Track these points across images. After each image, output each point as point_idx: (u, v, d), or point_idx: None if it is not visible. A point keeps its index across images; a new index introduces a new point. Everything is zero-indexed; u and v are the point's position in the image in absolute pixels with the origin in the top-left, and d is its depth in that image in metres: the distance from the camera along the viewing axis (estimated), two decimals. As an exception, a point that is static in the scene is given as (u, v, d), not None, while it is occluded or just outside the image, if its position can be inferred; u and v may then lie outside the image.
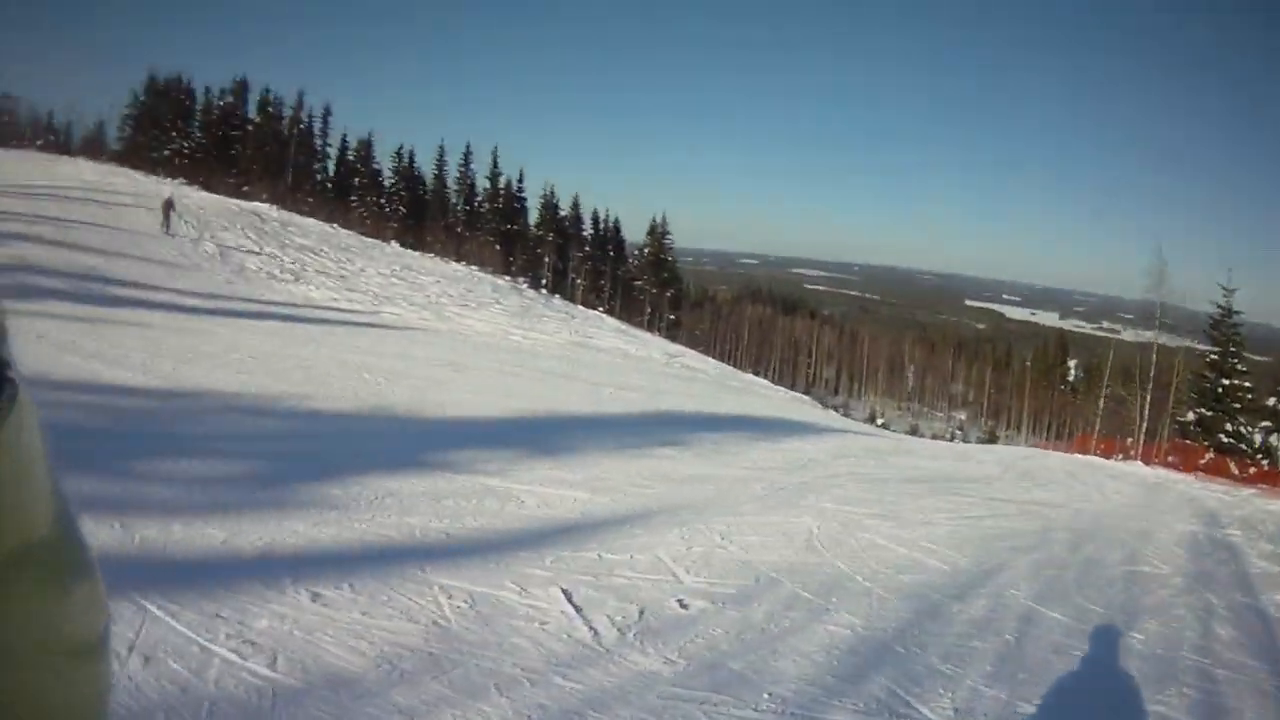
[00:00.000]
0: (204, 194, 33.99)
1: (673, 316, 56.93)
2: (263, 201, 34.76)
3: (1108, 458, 22.05)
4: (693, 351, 38.95)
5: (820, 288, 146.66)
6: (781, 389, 40.43)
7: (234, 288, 17.94)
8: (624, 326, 38.56)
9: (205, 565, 3.65)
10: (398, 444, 7.10)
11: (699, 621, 4.01)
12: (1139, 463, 21.18)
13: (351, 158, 51.23)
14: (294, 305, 17.62)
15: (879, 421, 46.45)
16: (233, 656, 2.87)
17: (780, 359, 67.78)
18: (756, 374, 46.97)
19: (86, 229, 18.97)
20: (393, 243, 38.02)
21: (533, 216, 53.95)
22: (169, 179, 36.08)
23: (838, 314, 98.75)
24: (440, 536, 4.65)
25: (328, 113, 50.97)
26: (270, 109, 49.14)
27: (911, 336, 79.37)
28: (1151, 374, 25.81)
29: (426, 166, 52.87)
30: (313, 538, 4.25)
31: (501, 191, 52.58)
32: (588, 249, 54.98)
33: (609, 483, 6.73)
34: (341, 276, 24.85)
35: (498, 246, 47.62)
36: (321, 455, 6.05)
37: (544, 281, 47.47)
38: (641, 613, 3.97)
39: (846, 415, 42.65)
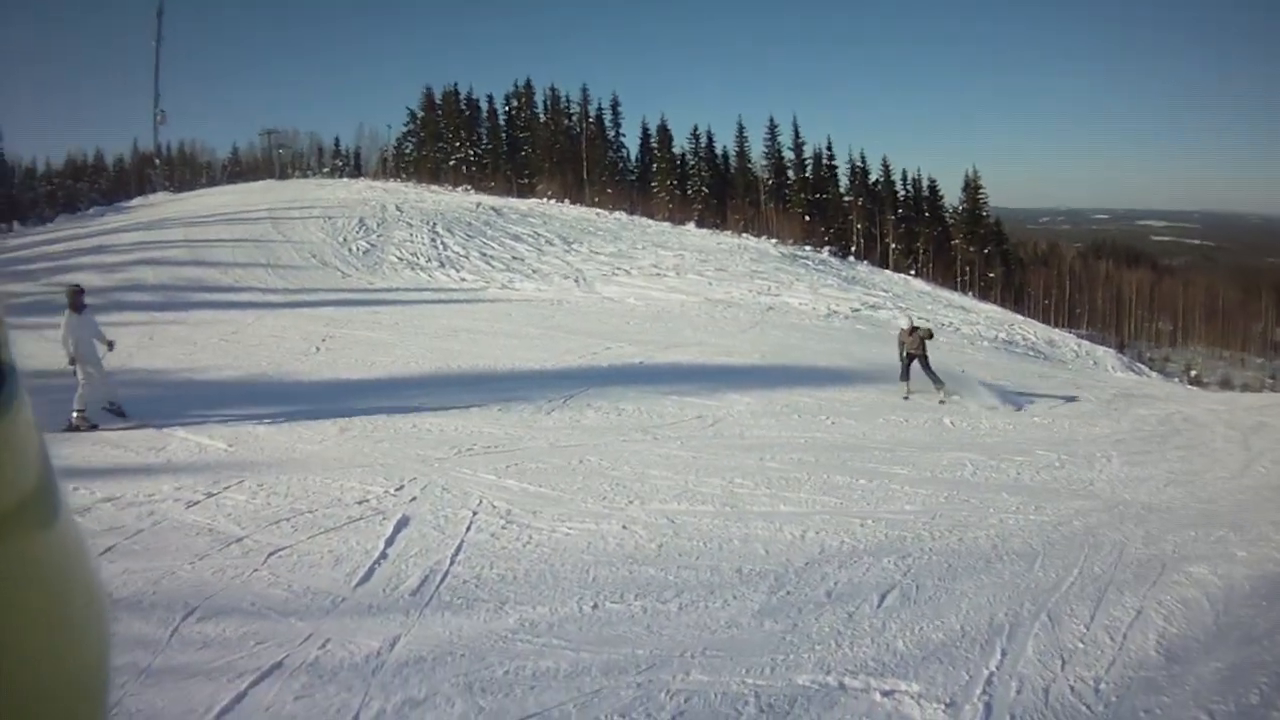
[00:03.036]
0: (448, 194, 33.95)
1: (991, 275, 49.31)
2: (547, 198, 34.24)
3: None
4: (993, 308, 33.06)
5: (1165, 238, 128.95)
6: (1085, 342, 31.67)
7: (349, 280, 19.07)
8: (928, 288, 33.65)
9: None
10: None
11: None
12: None
13: (654, 145, 49.27)
14: (389, 290, 18.30)
15: (1192, 373, 39.28)
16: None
17: (1108, 313, 58.49)
18: (1071, 329, 39.17)
19: (242, 245, 21.54)
20: (689, 224, 36.25)
21: (843, 185, 50.14)
22: (460, 188, 36.97)
23: (1178, 264, 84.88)
24: None
25: (616, 103, 49.49)
26: (558, 106, 48.54)
27: (1242, 284, 63.53)
28: None
29: (728, 144, 50.41)
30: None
31: (808, 161, 49.44)
32: (900, 212, 49.81)
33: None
34: (517, 258, 23.39)
35: (807, 219, 44.81)
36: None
37: (852, 249, 44.14)
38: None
39: (1160, 369, 34.10)
